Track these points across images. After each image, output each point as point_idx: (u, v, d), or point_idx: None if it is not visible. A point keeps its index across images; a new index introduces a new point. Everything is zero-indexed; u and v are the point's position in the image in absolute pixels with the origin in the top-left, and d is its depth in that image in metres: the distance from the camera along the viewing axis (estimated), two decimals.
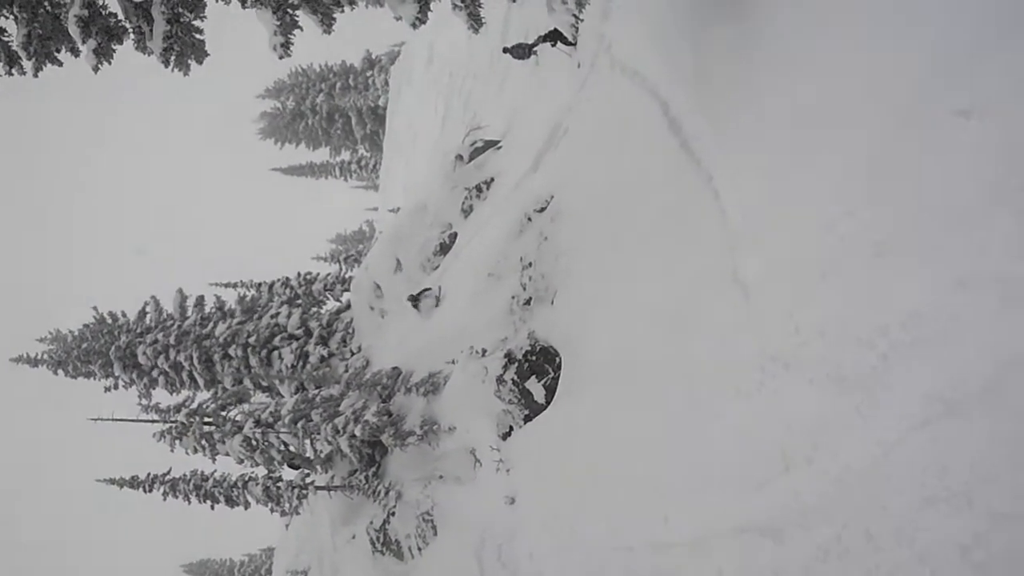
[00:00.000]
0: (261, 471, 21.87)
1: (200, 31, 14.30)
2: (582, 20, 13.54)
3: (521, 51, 22.01)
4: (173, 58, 14.19)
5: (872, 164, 9.85)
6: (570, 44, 20.73)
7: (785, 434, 9.82)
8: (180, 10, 13.75)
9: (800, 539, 9.18)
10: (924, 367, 8.39)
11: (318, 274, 30.83)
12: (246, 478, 21.88)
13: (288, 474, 22.95)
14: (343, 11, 14.50)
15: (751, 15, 13.28)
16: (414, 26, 13.95)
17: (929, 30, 9.45)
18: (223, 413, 21.48)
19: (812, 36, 11.65)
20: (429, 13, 13.82)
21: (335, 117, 58.32)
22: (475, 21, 13.43)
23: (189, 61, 14.42)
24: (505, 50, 22.87)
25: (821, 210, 10.40)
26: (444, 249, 23.59)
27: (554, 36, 20.70)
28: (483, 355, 17.57)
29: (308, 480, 22.27)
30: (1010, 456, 7.15)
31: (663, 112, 15.46)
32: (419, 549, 18.85)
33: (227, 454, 20.83)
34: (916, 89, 9.45)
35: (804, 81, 11.63)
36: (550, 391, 15.98)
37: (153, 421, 21.69)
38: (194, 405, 21.51)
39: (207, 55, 14.54)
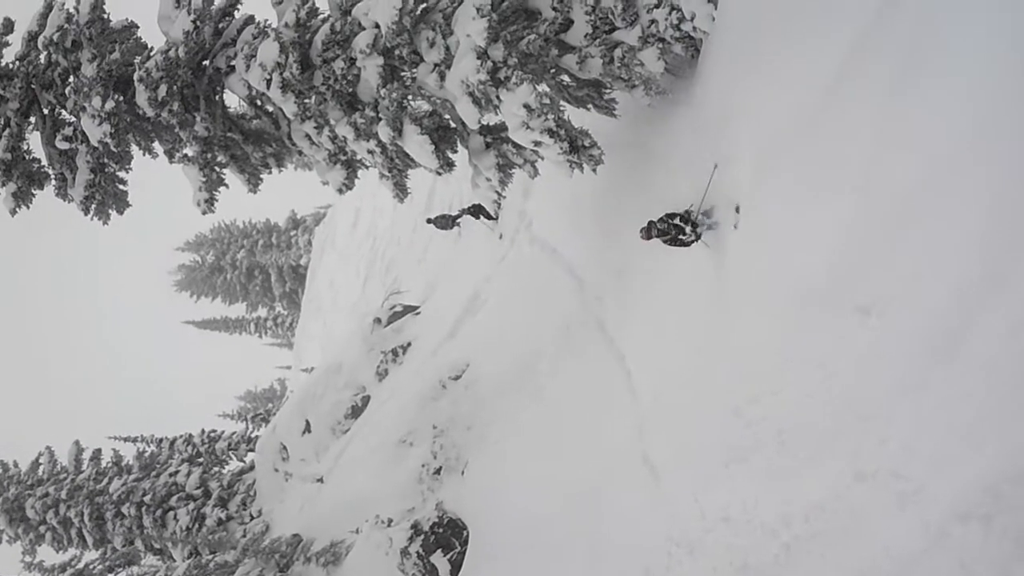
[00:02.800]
0: None
1: (124, 182, 14.35)
2: (504, 197, 13.94)
3: (444, 222, 22.54)
4: (94, 207, 14.15)
5: (776, 352, 10.13)
6: (492, 219, 21.29)
7: None
8: (105, 160, 13.80)
9: None
10: (825, 561, 8.41)
11: (223, 432, 30.01)
12: None
13: None
14: (270, 172, 14.75)
15: (667, 200, 13.88)
16: (340, 191, 14.22)
17: (831, 230, 9.93)
18: (110, 575, 20.32)
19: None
20: (356, 180, 14.13)
21: (255, 273, 58.10)
22: (401, 191, 13.74)
23: (110, 211, 14.38)
24: (429, 220, 23.39)
25: (727, 396, 10.60)
26: (356, 412, 23.21)
27: (477, 211, 21.27)
28: (389, 525, 17.04)
29: None
30: None
31: (579, 289, 15.83)
32: None
33: None
34: (819, 282, 9.84)
35: (709, 276, 12.09)
36: (456, 566, 15.49)
37: None
38: (80, 565, 20.36)
39: (128, 206, 14.53)
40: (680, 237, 12.47)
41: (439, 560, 15.59)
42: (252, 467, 27.34)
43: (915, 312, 8.29)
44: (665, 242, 12.54)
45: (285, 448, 25.10)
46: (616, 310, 14.45)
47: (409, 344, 23.07)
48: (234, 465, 29.18)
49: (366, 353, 23.87)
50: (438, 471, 17.32)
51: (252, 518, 24.86)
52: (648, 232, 12.41)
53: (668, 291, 13.14)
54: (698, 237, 12.44)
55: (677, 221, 12.55)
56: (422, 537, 15.92)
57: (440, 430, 17.91)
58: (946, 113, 8.36)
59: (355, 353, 24.50)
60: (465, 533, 15.70)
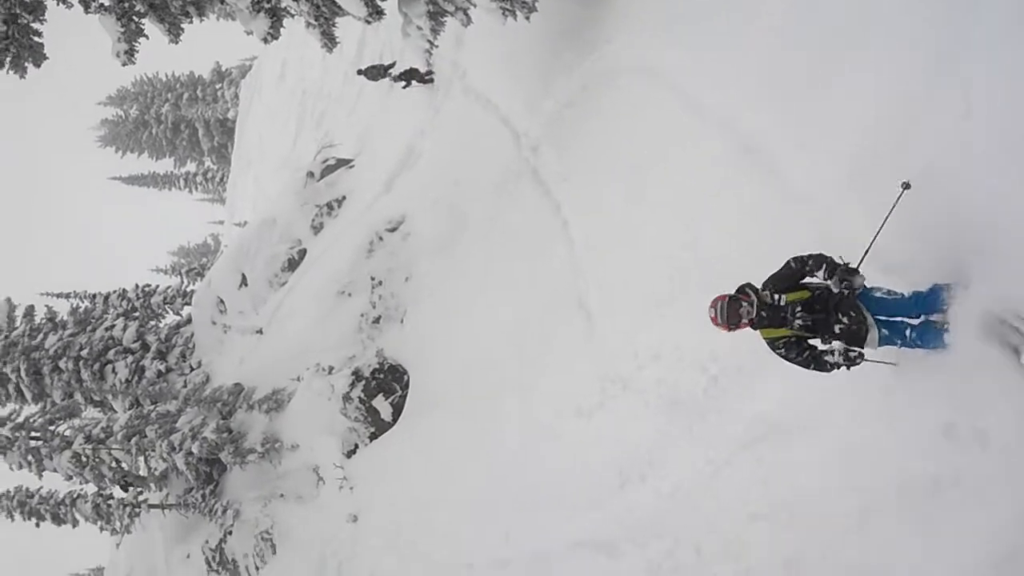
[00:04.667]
0: (91, 488, 20.97)
1: (39, 34, 13.80)
2: (436, 46, 13.78)
3: (376, 73, 22.13)
4: (9, 60, 13.65)
5: (710, 198, 10.49)
6: (427, 82, 20.85)
7: (621, 453, 10.26)
8: (18, 12, 13.25)
9: (633, 554, 9.61)
10: (750, 391, 8.97)
11: (157, 287, 29.84)
12: (74, 495, 20.93)
13: (120, 491, 22.05)
14: (191, 22, 14.27)
15: (600, 48, 13.87)
16: (265, 41, 13.88)
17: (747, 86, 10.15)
18: (51, 428, 20.52)
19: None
20: (282, 29, 13.79)
21: (181, 128, 56.39)
22: (329, 40, 13.48)
23: (26, 64, 13.90)
24: (360, 71, 22.95)
25: (660, 242, 10.97)
26: (292, 265, 23.29)
27: (410, 75, 20.86)
28: (330, 372, 17.47)
29: (141, 498, 21.45)
30: (822, 475, 7.73)
31: (515, 140, 15.90)
32: (256, 568, 18.47)
33: (55, 470, 19.88)
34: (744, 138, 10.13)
35: (642, 120, 12.25)
36: (397, 409, 16.05)
37: None
38: (20, 419, 20.46)
39: (45, 58, 14.04)
40: (816, 348, 6.78)
41: (381, 404, 16.12)
42: (189, 320, 27.40)
43: (827, 162, 8.68)
44: (775, 346, 6.85)
45: (222, 301, 25.19)
46: (552, 160, 14.59)
47: (344, 198, 23.01)
48: (171, 319, 29.17)
49: (300, 207, 23.77)
50: (377, 320, 17.67)
51: (192, 369, 25.12)
52: (731, 313, 6.68)
53: (605, 140, 13.22)
54: (852, 361, 6.65)
55: (826, 290, 6.65)
56: (363, 383, 16.38)
57: (378, 281, 18.16)
58: None
59: (289, 207, 24.37)
60: (406, 378, 16.20)
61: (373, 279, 18.29)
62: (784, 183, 9.46)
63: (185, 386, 23.10)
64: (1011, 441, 6.14)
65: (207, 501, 20.33)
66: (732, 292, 6.85)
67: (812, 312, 6.66)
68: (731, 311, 6.68)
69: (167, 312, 29.19)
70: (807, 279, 6.77)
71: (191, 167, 59.86)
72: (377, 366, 16.51)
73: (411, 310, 17.03)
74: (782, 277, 6.78)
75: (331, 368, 17.51)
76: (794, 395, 8.35)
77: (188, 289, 29.84)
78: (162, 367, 25.53)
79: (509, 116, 16.35)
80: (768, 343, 6.90)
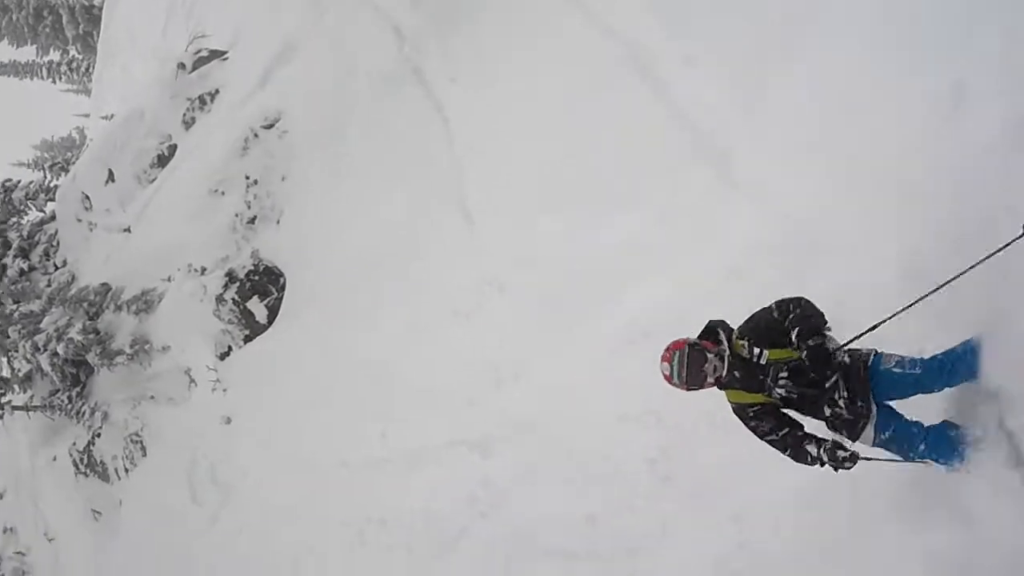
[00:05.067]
0: None
1: None
2: None
3: None
4: None
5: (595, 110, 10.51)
6: None
7: (498, 354, 10.40)
8: None
9: (506, 453, 9.83)
10: (625, 294, 9.15)
11: (19, 181, 28.29)
12: None
13: None
14: None
15: None
16: None
17: None
18: None
19: None
20: None
21: (44, 14, 52.77)
22: None
23: None
24: None
25: (541, 145, 10.95)
26: (162, 161, 22.28)
27: None
28: (202, 273, 17.01)
29: (4, 400, 20.76)
30: None
31: (397, 38, 15.49)
32: (126, 470, 18.17)
33: None
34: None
35: (535, 14, 12.08)
36: (272, 311, 15.80)
37: None
38: None
39: None
40: (799, 427, 5.20)
41: (256, 306, 15.83)
42: (53, 217, 26.20)
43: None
44: (743, 413, 5.22)
45: (87, 198, 24.09)
46: (438, 59, 14.26)
47: (217, 91, 22.03)
48: (34, 215, 27.82)
49: (170, 100, 22.67)
50: (252, 220, 17.18)
51: (56, 268, 24.13)
52: (692, 369, 5.04)
53: (495, 38, 12.99)
54: (839, 463, 4.92)
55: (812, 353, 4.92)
56: (237, 284, 16.04)
57: (253, 179, 17.57)
58: None
59: (158, 100, 23.22)
60: (282, 280, 15.90)
61: (248, 177, 17.66)
62: (672, 99, 9.58)
63: (49, 285, 22.17)
64: None
65: (74, 403, 19.83)
66: (693, 338, 5.18)
67: (801, 383, 4.95)
68: (693, 367, 5.00)
69: (30, 208, 27.73)
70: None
71: (55, 56, 56.36)
72: (252, 267, 16.14)
73: (288, 210, 16.61)
74: (763, 325, 5.10)
75: (203, 269, 17.04)
76: (667, 301, 8.56)
77: (52, 184, 28.29)
78: (24, 266, 24.43)
79: (393, 11, 15.87)
80: (735, 408, 5.25)
